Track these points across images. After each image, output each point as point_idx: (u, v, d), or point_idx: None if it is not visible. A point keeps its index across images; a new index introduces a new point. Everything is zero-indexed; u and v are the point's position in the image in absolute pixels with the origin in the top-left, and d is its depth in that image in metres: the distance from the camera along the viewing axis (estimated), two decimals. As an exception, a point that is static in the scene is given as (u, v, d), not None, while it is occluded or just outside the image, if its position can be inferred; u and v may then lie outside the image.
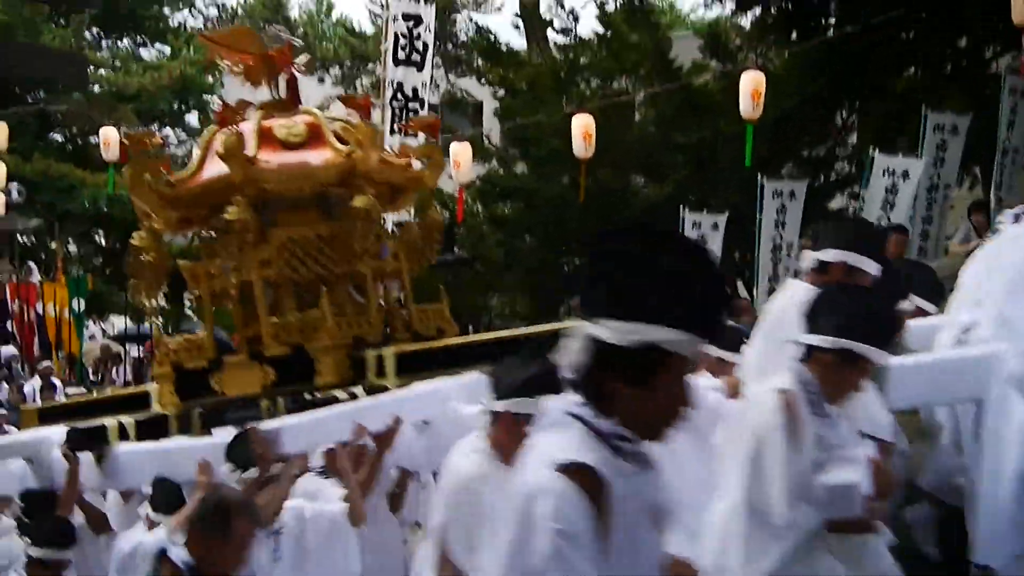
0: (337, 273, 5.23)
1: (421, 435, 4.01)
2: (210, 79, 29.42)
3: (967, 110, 10.16)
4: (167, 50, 29.26)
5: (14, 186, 18.37)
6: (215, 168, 5.17)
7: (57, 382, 11.01)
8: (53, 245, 22.40)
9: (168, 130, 30.41)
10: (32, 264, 18.55)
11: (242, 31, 6.50)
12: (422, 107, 13.20)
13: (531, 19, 16.60)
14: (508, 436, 2.96)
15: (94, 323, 18.89)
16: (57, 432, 4.70)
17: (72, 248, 27.01)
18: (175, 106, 29.23)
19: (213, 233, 5.53)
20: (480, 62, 16.76)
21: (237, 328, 5.48)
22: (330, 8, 35.40)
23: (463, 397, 3.95)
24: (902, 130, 11.41)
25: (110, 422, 5.05)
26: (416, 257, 5.59)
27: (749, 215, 10.56)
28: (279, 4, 30.28)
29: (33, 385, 10.99)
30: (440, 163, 5.50)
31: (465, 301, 14.90)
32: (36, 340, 14.83)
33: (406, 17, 12.95)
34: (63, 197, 24.17)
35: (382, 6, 17.02)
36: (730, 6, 14.04)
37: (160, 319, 21.82)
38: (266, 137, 5.18)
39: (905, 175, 9.18)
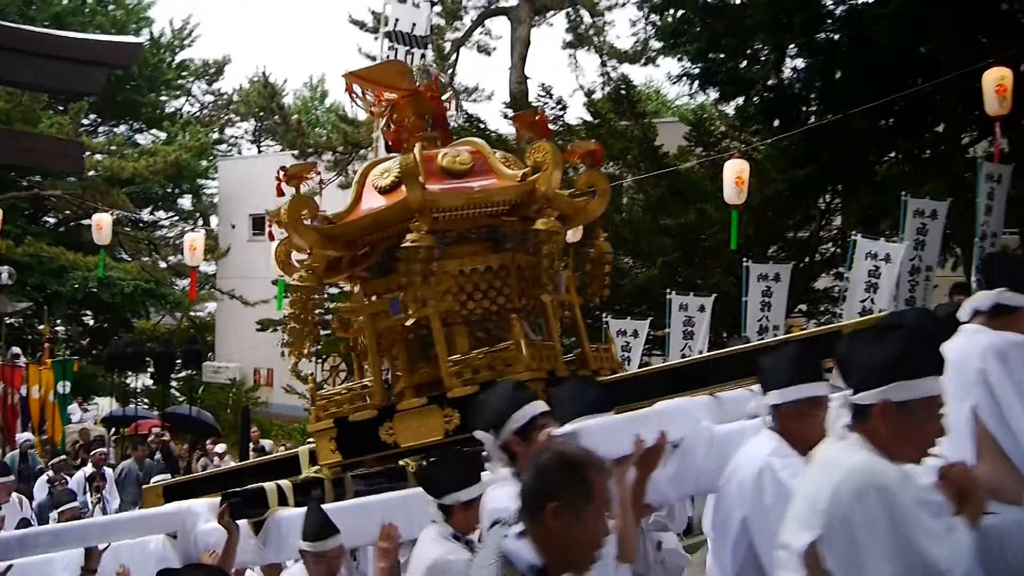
0: (516, 306, 4.74)
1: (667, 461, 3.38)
2: (204, 163, 29.88)
3: (946, 195, 10.40)
4: (162, 136, 29.76)
5: (5, 269, 18.45)
6: (372, 203, 4.83)
7: (108, 471, 10.62)
8: (41, 327, 22.35)
9: (161, 213, 30.72)
10: (17, 349, 18.46)
11: (391, 66, 6.29)
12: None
13: (520, 107, 16.97)
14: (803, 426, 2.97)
15: (79, 406, 18.71)
16: (200, 504, 4.27)
17: (60, 329, 26.95)
18: (168, 189, 29.60)
19: (365, 273, 5.17)
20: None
21: (401, 373, 4.89)
22: (324, 95, 36.25)
23: (711, 416, 3.51)
24: (885, 213, 11.64)
25: (269, 485, 4.52)
26: (591, 289, 5.05)
27: (735, 297, 10.68)
28: (274, 92, 30.96)
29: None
30: (606, 191, 5.00)
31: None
32: (19, 423, 14.66)
33: (398, 105, 13.24)
34: (53, 279, 24.26)
35: (375, 94, 17.46)
36: (713, 95, 14.45)
37: (146, 402, 21.66)
38: (429, 167, 4.78)
39: (887, 258, 9.34)
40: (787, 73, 13.73)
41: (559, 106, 15.71)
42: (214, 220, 30.40)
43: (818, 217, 13.27)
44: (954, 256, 12.29)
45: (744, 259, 10.37)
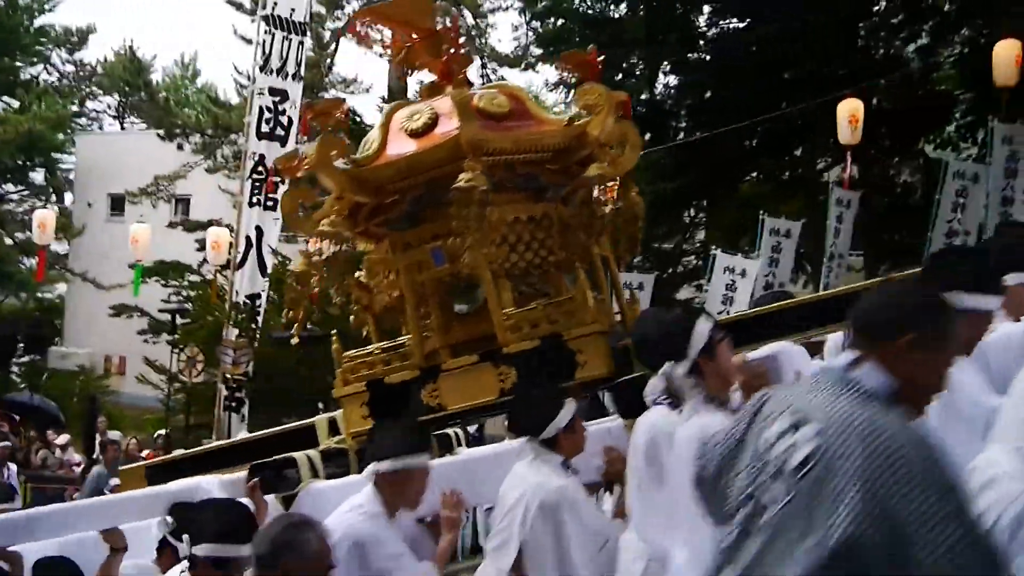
0: (559, 259, 4.39)
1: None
2: (60, 136, 28.28)
3: (801, 216, 10.96)
4: (15, 104, 28.00)
5: None
6: (403, 148, 4.35)
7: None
8: None
9: (9, 186, 28.90)
10: None
11: (413, 2, 5.37)
12: (283, 182, 13.10)
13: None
14: None
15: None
16: (210, 480, 3.92)
17: None
18: (20, 162, 27.88)
19: (381, 228, 4.66)
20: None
21: (434, 331, 4.40)
22: (196, 75, 34.90)
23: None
24: (745, 230, 12.17)
25: (299, 455, 4.17)
26: (621, 245, 4.65)
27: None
28: (142, 67, 29.61)
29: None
30: (637, 143, 4.49)
31: (317, 376, 14.61)
32: None
33: (272, 92, 12.92)
34: None
35: (249, 78, 16.96)
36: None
37: None
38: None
39: (743, 273, 9.76)
40: (660, 89, 14.19)
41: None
42: (69, 197, 28.85)
43: (683, 230, 13.74)
44: (805, 274, 12.96)
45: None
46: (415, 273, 4.29)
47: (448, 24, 4.74)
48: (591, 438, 3.57)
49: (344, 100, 4.74)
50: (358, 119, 15.78)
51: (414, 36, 4.55)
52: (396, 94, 17.39)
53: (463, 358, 4.18)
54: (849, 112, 9.46)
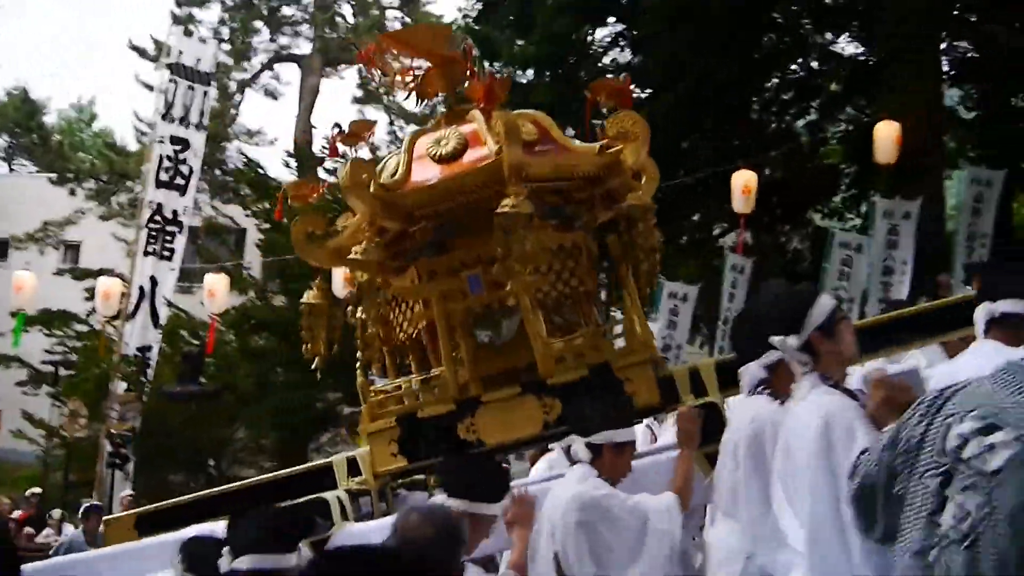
0: (588, 288, 4.28)
1: None
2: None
3: (697, 280, 11.29)
4: None
5: None
6: (428, 174, 4.15)
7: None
8: None
9: None
10: None
11: (431, 29, 5.16)
12: (181, 231, 12.80)
13: (303, 156, 16.77)
14: None
15: None
16: (222, 526, 3.56)
17: None
18: None
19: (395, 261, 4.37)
20: (247, 192, 16.60)
21: (449, 365, 4.12)
22: (92, 119, 33.96)
23: None
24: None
25: (330, 496, 3.89)
26: (641, 279, 4.41)
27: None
28: (35, 108, 28.66)
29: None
30: (655, 176, 4.38)
31: (209, 433, 14.15)
32: None
33: (174, 140, 12.70)
34: None
35: (149, 125, 16.61)
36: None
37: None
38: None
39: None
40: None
41: (342, 159, 15.64)
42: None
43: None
44: (702, 336, 13.30)
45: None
46: (448, 302, 4.08)
47: (464, 52, 4.56)
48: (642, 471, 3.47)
49: (375, 122, 4.59)
50: (260, 170, 15.60)
51: (428, 64, 4.42)
52: (302, 148, 17.32)
53: (504, 390, 3.97)
54: (743, 182, 9.87)
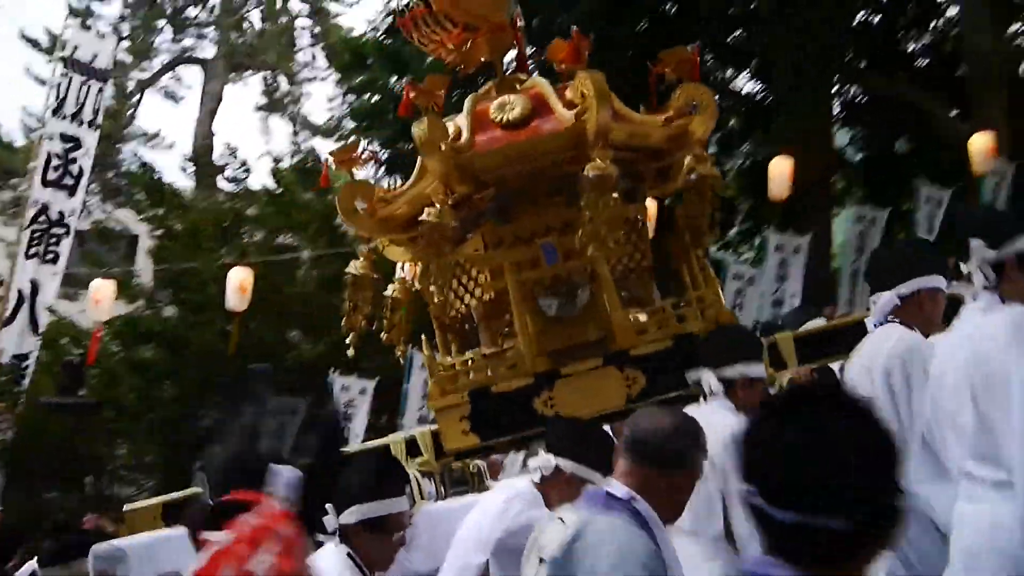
0: (649, 262, 4.18)
1: None
2: None
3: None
4: None
5: None
6: (493, 137, 3.93)
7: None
8: None
9: None
10: None
11: None
12: (67, 233, 12.25)
13: (202, 164, 16.33)
14: None
15: None
16: None
17: None
18: None
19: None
20: (141, 196, 16.05)
21: (524, 337, 3.90)
22: (-24, 112, 32.34)
23: None
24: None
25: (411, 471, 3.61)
26: (698, 230, 4.25)
27: (399, 382, 10.82)
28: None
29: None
30: (711, 106, 4.11)
31: (88, 449, 13.53)
32: None
33: (64, 138, 12.16)
34: None
35: (39, 120, 15.90)
36: (399, 182, 14.82)
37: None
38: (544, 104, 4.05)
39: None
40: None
41: (243, 168, 15.31)
42: None
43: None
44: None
45: (410, 346, 10.58)
46: (523, 271, 3.92)
47: (511, 19, 4.43)
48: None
49: (448, 79, 4.24)
50: (156, 175, 15.11)
51: (476, 31, 4.27)
52: (201, 154, 16.85)
53: (586, 362, 3.79)
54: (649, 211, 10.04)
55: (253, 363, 11.49)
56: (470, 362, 3.94)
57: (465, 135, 3.96)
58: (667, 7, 13.90)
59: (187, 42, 23.49)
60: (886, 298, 3.14)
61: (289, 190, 13.79)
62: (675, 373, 3.63)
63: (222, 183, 16.39)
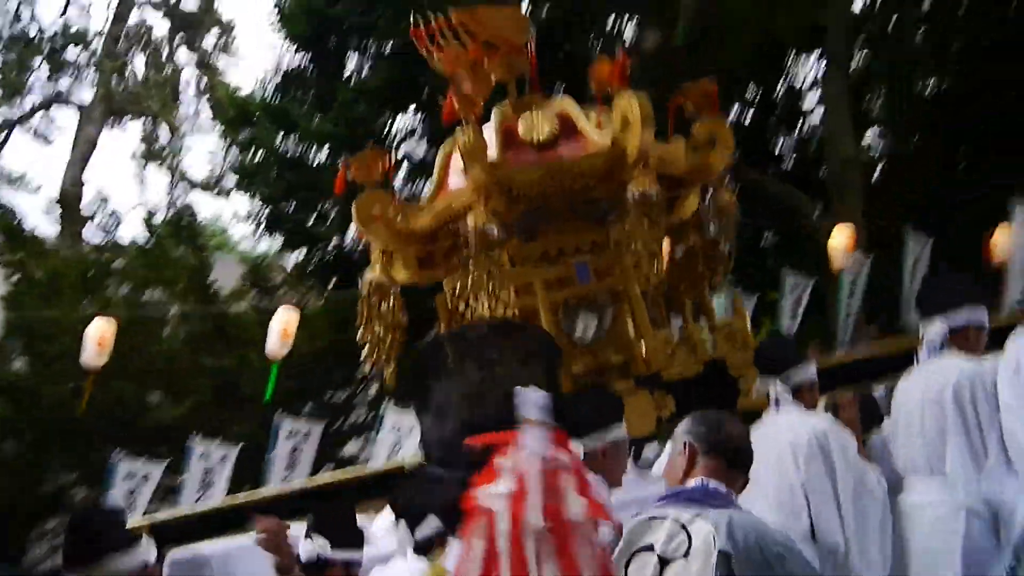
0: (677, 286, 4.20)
1: None
2: None
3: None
4: None
5: None
6: (524, 156, 3.91)
7: None
8: None
9: None
10: None
11: (512, 14, 4.74)
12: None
13: (69, 210, 15.60)
14: None
15: None
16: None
17: None
18: None
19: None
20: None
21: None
22: None
23: None
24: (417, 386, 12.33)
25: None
26: (714, 260, 4.32)
27: (263, 449, 10.40)
28: None
29: None
30: (730, 141, 4.19)
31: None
32: None
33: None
34: None
35: None
36: (278, 242, 14.55)
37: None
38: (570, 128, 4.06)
39: (411, 431, 9.77)
40: (351, 237, 14.36)
41: (113, 217, 14.71)
42: None
43: (356, 383, 13.67)
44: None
45: (277, 412, 10.23)
46: (553, 289, 3.92)
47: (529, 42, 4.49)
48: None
49: (489, 88, 4.26)
50: (16, 218, 14.35)
51: (490, 50, 4.29)
52: (69, 200, 16.11)
53: (616, 384, 3.79)
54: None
55: (106, 422, 10.86)
56: None
57: (496, 151, 4.01)
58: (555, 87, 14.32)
59: (64, 82, 22.65)
60: (937, 329, 3.38)
61: (161, 244, 13.30)
62: (705, 398, 3.70)
63: (89, 232, 15.68)
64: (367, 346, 4.29)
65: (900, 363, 3.58)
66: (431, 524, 2.56)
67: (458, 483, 1.72)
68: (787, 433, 3.25)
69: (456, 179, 4.23)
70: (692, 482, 2.39)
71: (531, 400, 1.72)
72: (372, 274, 4.26)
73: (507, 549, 1.62)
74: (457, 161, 4.20)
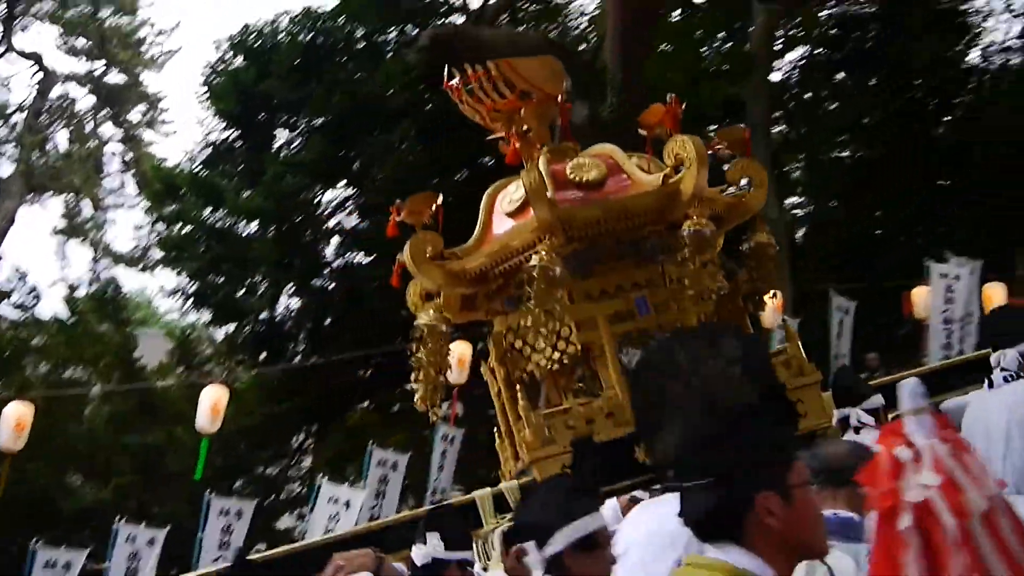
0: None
1: None
2: None
3: (407, 447, 11.18)
4: None
5: None
6: (570, 196, 4.13)
7: None
8: None
9: None
10: None
11: (548, 63, 4.79)
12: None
13: (-16, 286, 15.08)
14: None
15: None
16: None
17: None
18: None
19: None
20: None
21: (620, 387, 4.00)
22: None
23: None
24: (353, 458, 12.11)
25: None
26: (758, 293, 4.53)
27: (193, 531, 10.01)
28: None
29: None
30: (764, 182, 4.38)
31: None
32: None
33: None
34: None
35: None
36: (206, 316, 14.26)
37: None
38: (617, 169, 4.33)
39: (348, 504, 9.55)
40: (281, 310, 14.18)
41: (32, 295, 14.28)
42: None
43: (290, 455, 13.36)
44: (408, 507, 13.06)
45: (208, 491, 9.89)
46: (615, 323, 4.10)
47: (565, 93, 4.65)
48: None
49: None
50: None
51: (526, 99, 4.47)
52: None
53: None
54: (459, 354, 10.06)
55: (24, 508, 10.34)
56: (569, 412, 4.05)
57: (551, 192, 4.13)
58: (485, 160, 14.50)
59: (-19, 158, 22.12)
60: (1011, 355, 3.56)
61: (83, 319, 12.92)
62: (763, 423, 3.81)
63: (6, 310, 15.15)
64: (420, 388, 4.37)
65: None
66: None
67: (704, 490, 1.61)
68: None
69: (500, 222, 4.39)
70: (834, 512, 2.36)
71: (909, 389, 1.71)
72: (425, 318, 4.32)
73: (956, 539, 1.55)
74: (503, 204, 4.39)
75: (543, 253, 3.96)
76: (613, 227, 4.20)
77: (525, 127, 4.51)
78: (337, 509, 9.46)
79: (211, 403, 9.17)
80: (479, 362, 11.10)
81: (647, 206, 4.21)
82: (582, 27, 16.21)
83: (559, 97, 4.66)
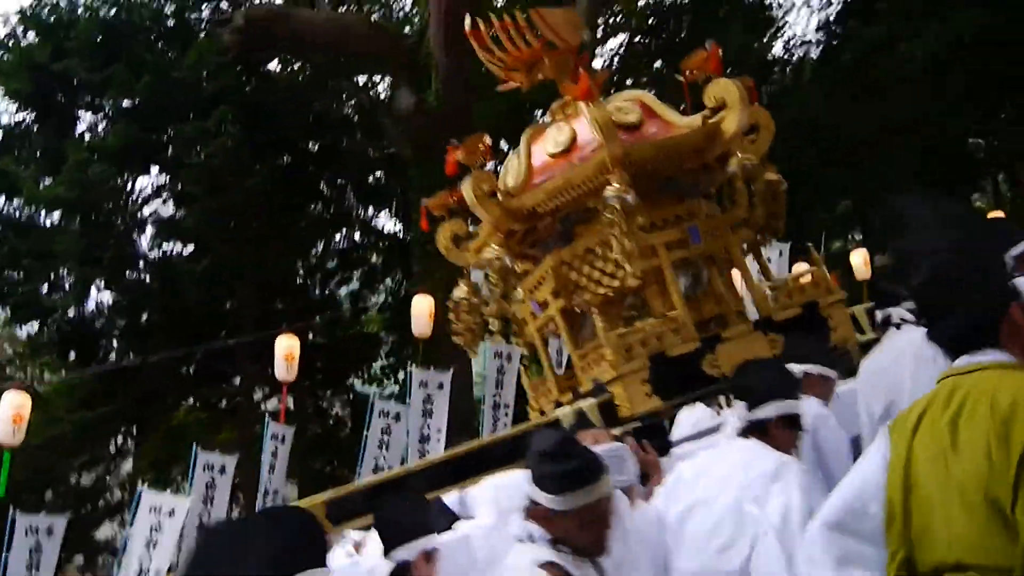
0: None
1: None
2: None
3: (235, 446, 10.74)
4: None
5: None
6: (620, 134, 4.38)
7: None
8: None
9: None
10: None
11: (569, 16, 5.00)
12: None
13: None
14: None
15: None
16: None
17: None
18: None
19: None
20: None
21: (682, 309, 4.39)
22: None
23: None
24: (177, 459, 11.51)
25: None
26: (770, 225, 4.82)
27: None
28: None
29: None
30: (736, 101, 4.47)
31: None
32: None
33: None
34: None
35: None
36: (4, 315, 13.14)
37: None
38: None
39: (171, 513, 9.06)
40: (91, 306, 13.26)
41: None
42: None
43: (108, 461, 12.55)
44: (239, 507, 12.57)
45: (12, 509, 9.13)
46: (673, 250, 4.46)
47: (586, 45, 4.96)
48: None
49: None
50: None
51: (549, 50, 4.71)
52: None
53: (739, 327, 4.38)
54: (286, 348, 9.71)
55: None
56: (654, 327, 4.37)
57: (599, 137, 4.36)
58: (308, 144, 14.06)
59: None
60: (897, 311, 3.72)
61: None
62: (807, 334, 4.24)
63: None
64: (460, 335, 5.02)
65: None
66: None
67: (966, 309, 1.88)
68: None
69: (546, 162, 4.66)
70: None
71: None
72: (490, 253, 4.62)
73: None
74: (547, 146, 4.68)
75: (615, 184, 4.23)
76: (661, 164, 4.54)
77: (531, 81, 4.85)
78: (159, 519, 8.96)
79: (12, 413, 8.41)
80: (308, 356, 10.80)
81: (694, 144, 4.56)
82: (405, 9, 15.97)
83: (577, 48, 4.97)
